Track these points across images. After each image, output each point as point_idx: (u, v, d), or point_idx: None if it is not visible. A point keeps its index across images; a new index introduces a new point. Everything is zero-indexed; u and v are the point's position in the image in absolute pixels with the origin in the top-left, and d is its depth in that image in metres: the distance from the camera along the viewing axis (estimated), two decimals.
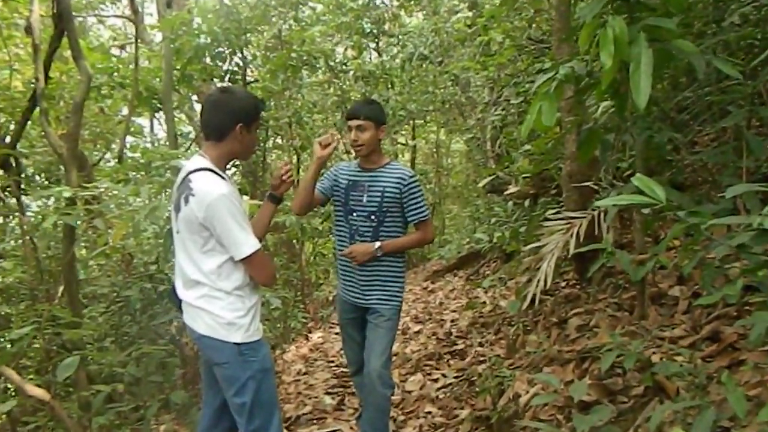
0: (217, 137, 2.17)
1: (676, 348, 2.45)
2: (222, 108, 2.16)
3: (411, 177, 2.83)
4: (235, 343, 2.14)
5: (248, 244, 2.08)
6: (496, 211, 6.56)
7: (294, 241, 7.20)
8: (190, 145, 8.46)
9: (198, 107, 9.94)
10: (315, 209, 3.28)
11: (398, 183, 2.80)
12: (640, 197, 1.63)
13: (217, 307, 2.13)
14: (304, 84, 8.11)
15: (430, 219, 2.94)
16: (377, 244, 2.82)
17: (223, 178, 2.15)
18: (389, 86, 9.80)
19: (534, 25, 5.87)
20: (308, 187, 2.84)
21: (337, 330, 4.47)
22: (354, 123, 2.79)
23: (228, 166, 2.30)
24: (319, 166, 2.78)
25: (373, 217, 2.83)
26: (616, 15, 2.22)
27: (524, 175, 5.15)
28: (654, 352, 2.50)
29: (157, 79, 7.34)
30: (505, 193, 5.58)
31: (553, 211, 3.75)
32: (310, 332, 6.55)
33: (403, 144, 12.89)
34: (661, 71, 2.46)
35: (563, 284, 4.26)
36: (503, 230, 5.45)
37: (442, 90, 9.48)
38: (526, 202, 5.30)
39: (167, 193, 4.00)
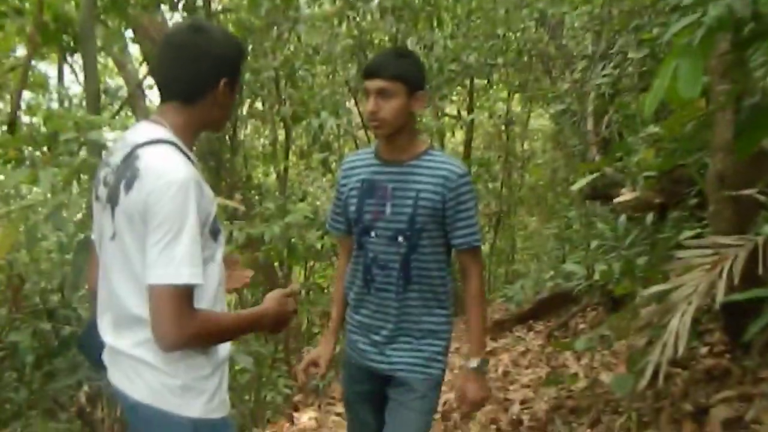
0: (188, 97, 2.24)
1: None
2: (197, 55, 2.21)
3: (462, 175, 2.85)
4: (190, 419, 2.17)
5: (174, 269, 2.04)
6: (599, 230, 6.53)
7: (276, 264, 7.26)
8: (121, 107, 8.59)
9: (135, 50, 10.11)
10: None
11: (442, 184, 2.83)
12: None
13: (167, 359, 2.15)
14: (301, 17, 8.18)
15: (482, 245, 2.99)
16: (474, 363, 2.93)
17: (188, 158, 2.20)
18: (434, 25, 9.83)
19: None
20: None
21: (340, 409, 4.48)
22: (374, 85, 2.81)
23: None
24: None
25: (401, 238, 2.86)
26: None
27: (647, 174, 5.12)
28: None
29: (73, 4, 7.45)
30: (615, 201, 5.55)
31: (692, 233, 3.72)
32: (296, 410, 6.57)
33: (454, 117, 12.92)
34: None
35: (704, 351, 4.22)
36: (609, 261, 5.42)
37: (518, 34, 9.48)
38: (649, 217, 5.26)
39: (84, 183, 4.07)
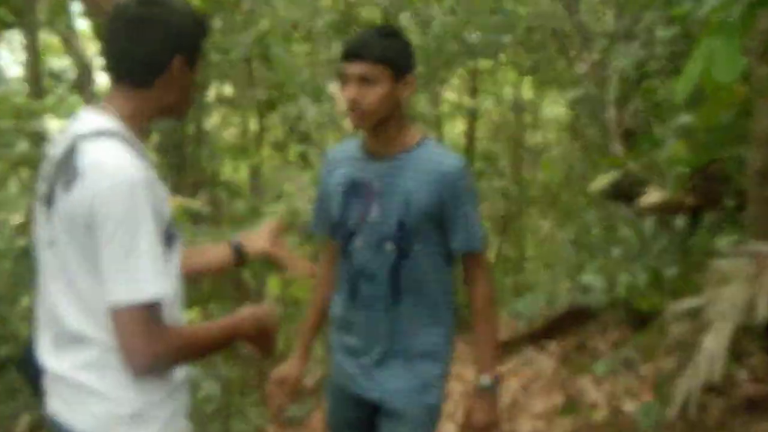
0: (138, 79, 2.23)
1: None
2: (149, 29, 2.21)
3: (459, 169, 2.85)
4: None
5: (136, 284, 2.05)
6: (622, 235, 6.54)
7: (248, 274, 7.25)
8: (68, 92, 8.57)
9: (84, 24, 10.09)
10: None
11: (437, 180, 2.83)
12: None
13: (114, 384, 2.15)
14: None
15: (486, 254, 2.99)
16: (485, 380, 2.92)
17: (139, 152, 2.20)
18: None
19: None
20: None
21: None
22: (353, 69, 2.79)
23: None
24: None
25: (389, 244, 2.86)
26: None
27: (677, 171, 5.13)
28: None
29: None
30: (641, 201, 5.56)
31: (729, 239, 3.73)
32: None
33: (455, 104, 12.94)
34: None
35: (744, 376, 4.23)
36: (634, 271, 5.43)
37: (529, 8, 9.50)
38: (680, 221, 5.28)
39: (24, 179, 4.06)
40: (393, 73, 2.79)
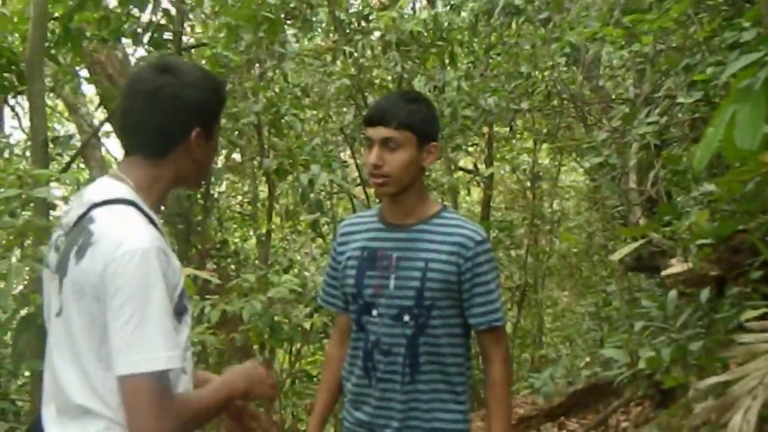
0: (156, 150, 2.25)
1: None
2: (165, 102, 2.23)
3: (480, 242, 2.87)
4: None
5: (149, 354, 2.05)
6: (644, 308, 6.51)
7: (256, 347, 7.23)
8: (73, 159, 8.63)
9: (90, 90, 10.20)
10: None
11: (456, 252, 2.84)
12: None
13: None
14: (288, 53, 8.27)
15: (505, 327, 2.97)
16: None
17: (152, 222, 2.21)
18: (447, 62, 9.91)
19: None
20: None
21: None
22: (378, 134, 2.83)
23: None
24: None
25: (407, 317, 2.86)
26: None
27: (701, 242, 5.13)
28: None
29: (17, 37, 7.55)
30: (664, 273, 5.55)
31: (756, 312, 3.72)
32: None
33: (470, 172, 12.98)
34: None
35: None
36: (657, 346, 5.39)
37: (546, 73, 9.57)
38: (704, 293, 5.25)
39: (28, 248, 4.08)
40: (417, 140, 2.83)
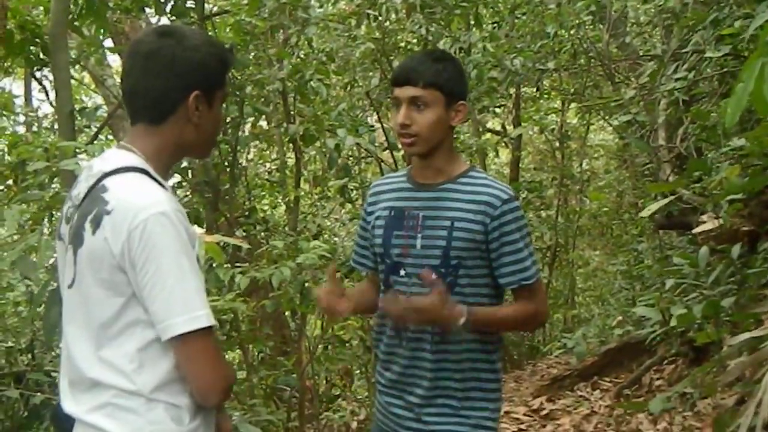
0: (155, 117, 2.25)
1: None
2: (163, 65, 2.22)
3: (507, 200, 2.85)
4: None
5: (192, 312, 2.07)
6: (676, 265, 6.49)
7: (287, 314, 7.26)
8: (100, 130, 8.67)
9: (115, 61, 10.22)
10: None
11: (482, 211, 2.84)
12: None
13: (129, 428, 2.14)
14: (312, 18, 8.24)
15: (541, 282, 2.95)
16: (460, 308, 2.76)
17: (162, 186, 2.22)
18: (472, 23, 9.87)
19: None
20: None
21: None
22: (405, 93, 2.84)
23: (171, 169, 2.39)
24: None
25: (434, 276, 2.84)
26: None
27: (731, 198, 5.10)
28: None
29: (41, 10, 7.57)
30: (695, 230, 5.52)
31: None
32: None
33: (498, 133, 12.93)
34: None
35: None
36: (689, 303, 5.39)
37: (573, 32, 9.50)
38: (736, 249, 5.23)
39: (55, 220, 4.11)
40: (446, 99, 2.82)
